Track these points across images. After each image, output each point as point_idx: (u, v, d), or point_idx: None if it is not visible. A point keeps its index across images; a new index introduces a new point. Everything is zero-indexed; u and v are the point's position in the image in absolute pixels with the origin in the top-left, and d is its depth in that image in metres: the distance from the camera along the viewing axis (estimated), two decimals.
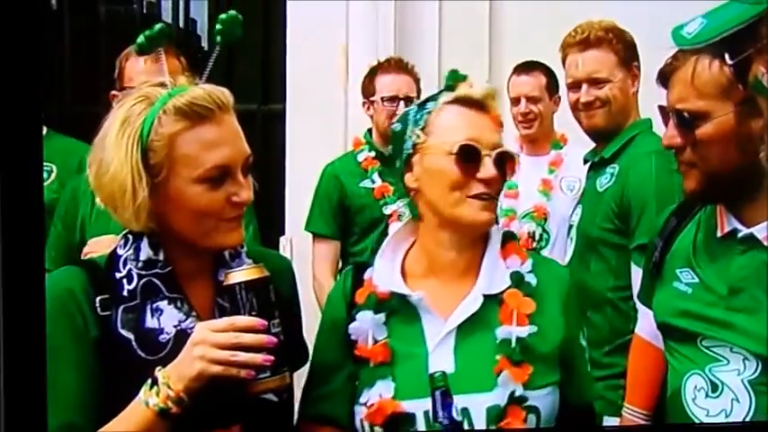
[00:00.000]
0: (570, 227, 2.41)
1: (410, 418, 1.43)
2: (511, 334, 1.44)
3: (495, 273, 1.48)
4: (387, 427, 1.43)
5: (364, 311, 1.49)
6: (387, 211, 2.89)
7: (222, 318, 1.30)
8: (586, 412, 1.58)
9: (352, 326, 1.49)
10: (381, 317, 1.50)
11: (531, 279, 1.50)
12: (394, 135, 1.53)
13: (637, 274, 2.01)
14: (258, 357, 1.27)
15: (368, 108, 2.95)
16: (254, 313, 1.29)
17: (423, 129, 1.49)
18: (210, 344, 1.26)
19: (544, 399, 1.45)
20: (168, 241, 1.36)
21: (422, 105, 1.51)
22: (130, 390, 1.27)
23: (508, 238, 1.53)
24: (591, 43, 2.29)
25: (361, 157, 2.98)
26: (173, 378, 1.26)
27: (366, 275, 1.54)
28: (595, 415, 1.63)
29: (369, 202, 2.87)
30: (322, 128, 3.49)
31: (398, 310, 1.49)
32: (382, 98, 2.89)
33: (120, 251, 1.38)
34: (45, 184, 2.30)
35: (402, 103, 2.86)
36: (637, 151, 2.21)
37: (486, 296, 1.46)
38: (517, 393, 1.41)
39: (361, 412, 1.45)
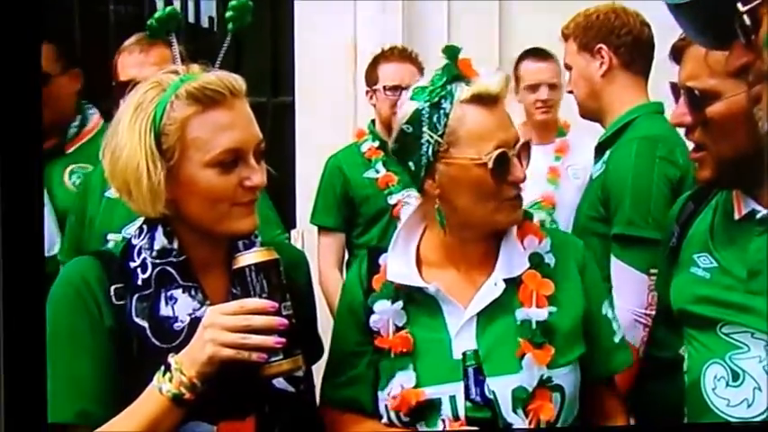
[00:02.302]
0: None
1: (435, 403, 1.43)
2: (530, 316, 1.45)
3: (513, 256, 1.49)
4: (412, 414, 1.44)
5: (382, 301, 1.50)
6: (391, 200, 2.86)
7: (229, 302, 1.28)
8: (611, 384, 1.59)
9: (372, 318, 1.50)
10: (399, 304, 1.50)
11: (550, 259, 1.50)
12: (404, 136, 1.47)
13: (615, 264, 2.03)
14: (270, 340, 1.27)
15: (371, 97, 2.94)
16: (264, 296, 1.29)
17: (442, 135, 1.44)
18: (221, 327, 1.26)
19: (566, 376, 1.46)
20: (182, 230, 1.37)
21: (435, 106, 1.44)
22: (145, 378, 1.28)
23: (524, 218, 1.53)
24: (563, 35, 2.30)
25: (364, 148, 2.97)
26: (185, 363, 1.27)
27: (381, 260, 1.54)
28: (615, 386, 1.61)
29: (373, 193, 2.87)
30: (331, 120, 3.51)
31: (417, 298, 1.50)
32: (384, 87, 2.87)
33: (134, 241, 1.39)
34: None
35: (404, 92, 2.79)
36: (627, 137, 2.17)
37: (505, 280, 1.47)
38: (544, 376, 1.42)
39: (385, 399, 1.47)
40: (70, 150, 2.38)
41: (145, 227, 1.39)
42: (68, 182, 2.35)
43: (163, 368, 1.27)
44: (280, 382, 1.35)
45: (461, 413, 1.41)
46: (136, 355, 1.32)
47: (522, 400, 1.41)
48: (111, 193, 1.96)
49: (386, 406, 1.47)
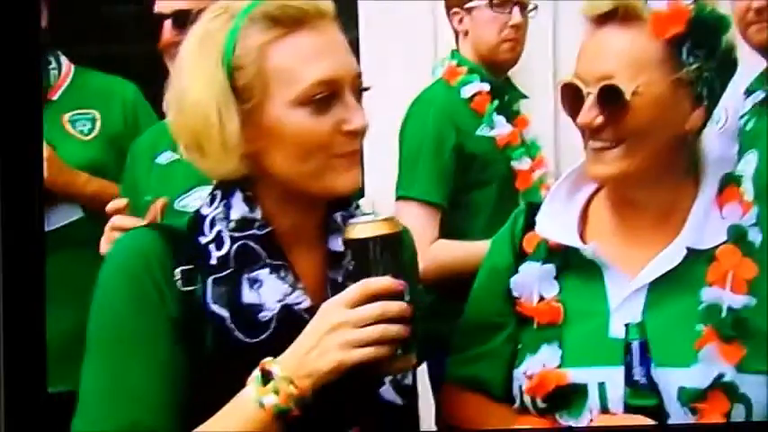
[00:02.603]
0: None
1: (580, 389, 1.38)
2: (722, 300, 1.37)
3: (706, 223, 1.42)
4: (551, 400, 1.40)
5: (530, 262, 1.47)
6: (518, 166, 2.35)
7: (347, 289, 1.20)
8: None
9: (514, 279, 1.48)
10: (551, 269, 1.46)
11: (756, 235, 1.43)
12: None
13: None
14: (403, 328, 1.19)
15: (460, 21, 2.44)
16: (388, 275, 1.21)
17: None
18: (353, 324, 1.16)
19: (759, 387, 1.37)
20: (266, 194, 1.29)
21: None
22: (220, 382, 1.20)
23: (729, 181, 1.46)
24: None
25: (468, 92, 2.37)
26: (297, 373, 1.16)
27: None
28: None
29: (493, 156, 2.34)
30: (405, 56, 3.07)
31: (576, 262, 1.46)
32: (492, 2, 2.36)
33: (204, 210, 1.31)
34: (90, 136, 2.25)
35: (516, 8, 2.39)
36: None
37: (691, 250, 1.42)
38: (726, 377, 1.34)
39: (521, 379, 1.46)
40: (55, 97, 2.28)
41: (219, 192, 1.30)
42: (74, 131, 2.27)
43: (260, 376, 1.18)
44: (388, 393, 1.30)
45: (612, 405, 1.35)
46: (209, 352, 1.24)
47: (693, 401, 1.33)
48: (163, 158, 1.95)
49: (520, 387, 1.45)
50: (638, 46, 1.35)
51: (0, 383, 1.26)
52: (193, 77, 1.23)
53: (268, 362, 1.20)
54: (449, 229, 2.33)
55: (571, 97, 1.41)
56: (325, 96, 1.23)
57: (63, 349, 2.12)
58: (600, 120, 1.36)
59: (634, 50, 1.36)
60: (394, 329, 1.17)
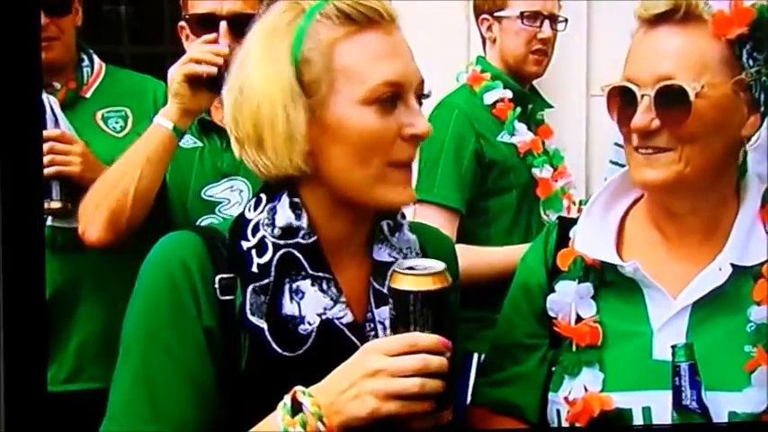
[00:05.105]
0: None
1: (624, 415, 1.28)
2: None
3: (751, 239, 1.31)
4: (592, 427, 1.30)
5: (566, 281, 1.36)
6: (539, 174, 2.25)
7: (393, 336, 1.13)
8: None
9: (550, 298, 1.37)
10: (588, 288, 1.35)
11: None
12: None
13: None
14: (441, 384, 1.11)
15: (488, 28, 2.38)
16: (427, 331, 1.12)
17: None
18: (391, 374, 1.08)
19: None
20: (314, 201, 1.21)
21: None
22: (256, 394, 1.15)
23: None
24: None
25: (490, 98, 2.29)
26: (327, 410, 1.09)
27: (573, 233, 1.43)
28: None
29: (513, 163, 2.25)
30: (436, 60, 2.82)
31: (612, 280, 1.36)
32: (522, 14, 2.29)
33: (249, 214, 1.24)
34: (122, 133, 2.17)
35: (547, 22, 2.32)
36: None
37: (735, 267, 1.32)
38: None
39: (558, 403, 1.35)
40: (88, 95, 2.21)
41: (264, 196, 1.24)
42: (107, 128, 2.20)
43: (290, 404, 1.10)
44: None
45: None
46: (245, 366, 1.16)
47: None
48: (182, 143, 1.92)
49: (557, 411, 1.35)
50: (698, 46, 1.26)
51: (0, 383, 1.23)
52: (259, 70, 1.17)
53: (299, 392, 1.12)
54: (467, 235, 2.23)
55: (620, 102, 1.31)
56: (390, 97, 1.17)
57: (94, 348, 2.00)
58: (656, 123, 1.25)
59: (695, 51, 1.26)
60: (432, 384, 1.10)
